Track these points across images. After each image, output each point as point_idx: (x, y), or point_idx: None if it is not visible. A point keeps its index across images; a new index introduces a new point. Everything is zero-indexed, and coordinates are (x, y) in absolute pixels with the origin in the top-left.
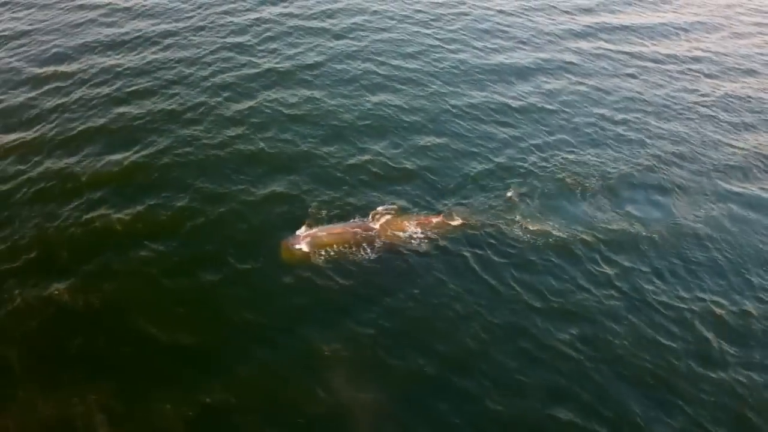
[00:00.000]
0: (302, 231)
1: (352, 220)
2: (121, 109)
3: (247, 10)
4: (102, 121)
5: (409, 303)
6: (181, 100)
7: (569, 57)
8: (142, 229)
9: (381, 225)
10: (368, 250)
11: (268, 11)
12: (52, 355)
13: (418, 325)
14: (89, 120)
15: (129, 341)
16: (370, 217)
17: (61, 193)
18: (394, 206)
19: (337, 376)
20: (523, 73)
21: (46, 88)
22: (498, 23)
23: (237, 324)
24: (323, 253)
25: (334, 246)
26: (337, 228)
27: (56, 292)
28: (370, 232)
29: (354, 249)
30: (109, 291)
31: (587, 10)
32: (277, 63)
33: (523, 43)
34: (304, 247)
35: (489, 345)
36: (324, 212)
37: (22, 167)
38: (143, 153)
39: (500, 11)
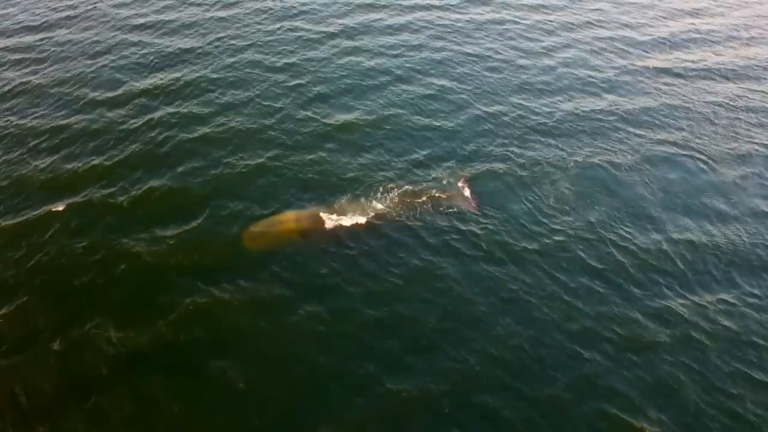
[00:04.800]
0: (267, 219)
1: (309, 208)
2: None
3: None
4: (187, 137)
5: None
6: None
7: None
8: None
9: (342, 210)
10: (327, 235)
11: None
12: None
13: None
14: (176, 138)
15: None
16: (333, 204)
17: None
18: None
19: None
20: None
21: (122, 109)
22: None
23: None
24: (283, 239)
25: (294, 232)
26: (296, 215)
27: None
28: (326, 218)
29: (312, 235)
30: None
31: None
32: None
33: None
34: (263, 234)
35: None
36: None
37: (111, 191)
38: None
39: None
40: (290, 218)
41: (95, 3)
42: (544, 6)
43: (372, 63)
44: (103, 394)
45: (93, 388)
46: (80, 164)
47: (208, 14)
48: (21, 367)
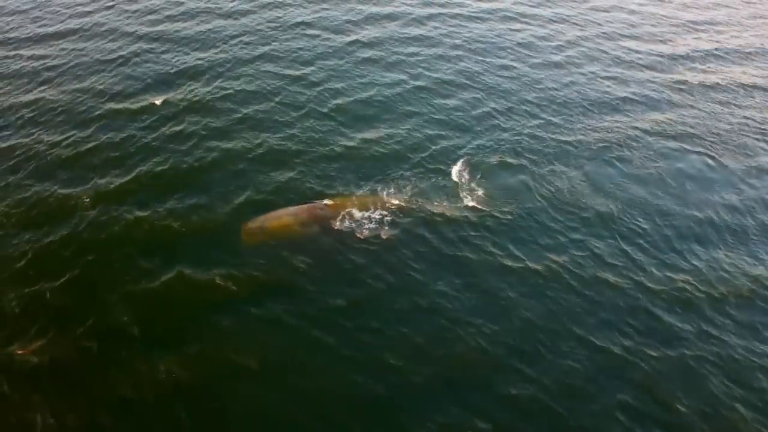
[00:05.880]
0: (262, 215)
1: (310, 203)
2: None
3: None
4: (208, 147)
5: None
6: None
7: None
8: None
9: (338, 205)
10: (326, 231)
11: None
12: None
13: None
14: (197, 150)
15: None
16: (327, 198)
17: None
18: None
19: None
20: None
21: (141, 121)
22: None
23: None
24: (283, 234)
25: (294, 227)
26: (296, 209)
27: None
28: (327, 213)
29: (313, 230)
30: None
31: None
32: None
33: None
34: (263, 229)
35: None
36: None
37: (133, 207)
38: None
39: None
40: (289, 213)
41: (109, 13)
42: (561, 16)
43: (389, 68)
44: (131, 419)
45: (120, 413)
46: (100, 179)
47: (224, 23)
48: (46, 395)
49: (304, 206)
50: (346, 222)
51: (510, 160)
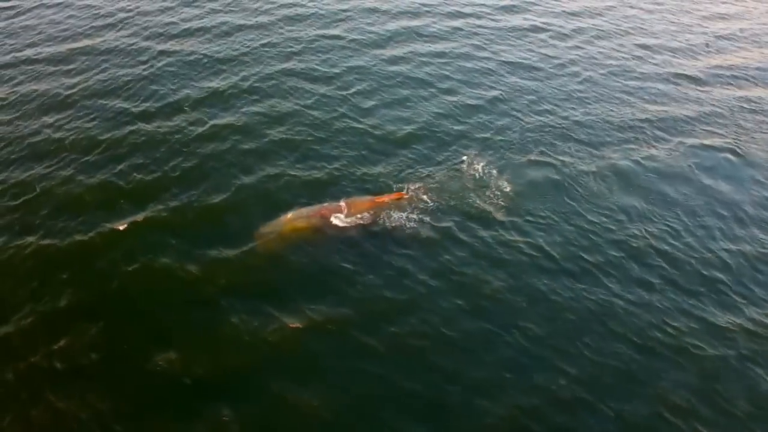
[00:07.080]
0: (275, 220)
1: (323, 204)
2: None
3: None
4: (239, 149)
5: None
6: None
7: None
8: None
9: (352, 207)
10: (341, 233)
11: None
12: None
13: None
14: (227, 151)
15: None
16: (341, 201)
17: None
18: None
19: None
20: None
21: (167, 121)
22: None
23: None
24: (298, 238)
25: (308, 231)
26: (308, 212)
27: None
28: (341, 215)
29: (327, 233)
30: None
31: None
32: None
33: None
34: (276, 234)
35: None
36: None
37: (166, 208)
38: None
39: None
40: (302, 215)
41: (127, 28)
42: (588, 26)
43: (420, 80)
44: (167, 423)
45: (157, 415)
46: (133, 207)
47: (247, 36)
48: (84, 395)
49: (317, 207)
50: (363, 222)
51: (540, 165)
